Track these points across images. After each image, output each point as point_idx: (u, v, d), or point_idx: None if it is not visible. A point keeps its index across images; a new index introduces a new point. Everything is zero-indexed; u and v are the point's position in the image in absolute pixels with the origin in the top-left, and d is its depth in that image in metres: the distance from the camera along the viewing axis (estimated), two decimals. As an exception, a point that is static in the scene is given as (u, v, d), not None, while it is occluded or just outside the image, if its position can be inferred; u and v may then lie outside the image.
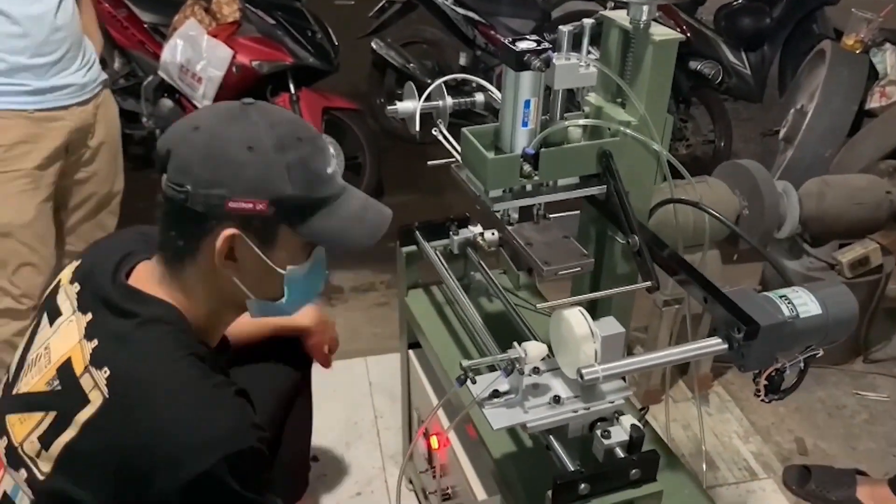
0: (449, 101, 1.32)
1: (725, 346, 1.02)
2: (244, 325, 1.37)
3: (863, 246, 2.41)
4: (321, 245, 1.13)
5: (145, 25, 3.46)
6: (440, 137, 1.31)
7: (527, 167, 1.12)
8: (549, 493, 1.05)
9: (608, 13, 1.18)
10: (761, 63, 3.89)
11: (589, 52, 1.15)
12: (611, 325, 1.11)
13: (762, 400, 1.12)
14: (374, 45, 3.90)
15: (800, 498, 2.05)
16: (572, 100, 1.25)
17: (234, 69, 3.18)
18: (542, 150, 1.13)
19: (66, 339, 1.09)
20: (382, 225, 1.14)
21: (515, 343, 1.11)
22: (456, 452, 1.51)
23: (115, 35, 3.51)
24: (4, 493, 1.08)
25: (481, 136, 1.17)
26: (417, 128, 1.32)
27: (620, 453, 1.09)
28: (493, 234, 1.52)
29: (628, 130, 1.15)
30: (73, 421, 1.01)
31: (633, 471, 1.09)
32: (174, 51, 3.18)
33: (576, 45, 1.15)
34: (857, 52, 3.21)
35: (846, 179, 2.29)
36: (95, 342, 1.05)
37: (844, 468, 2.07)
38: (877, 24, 3.19)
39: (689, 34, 3.57)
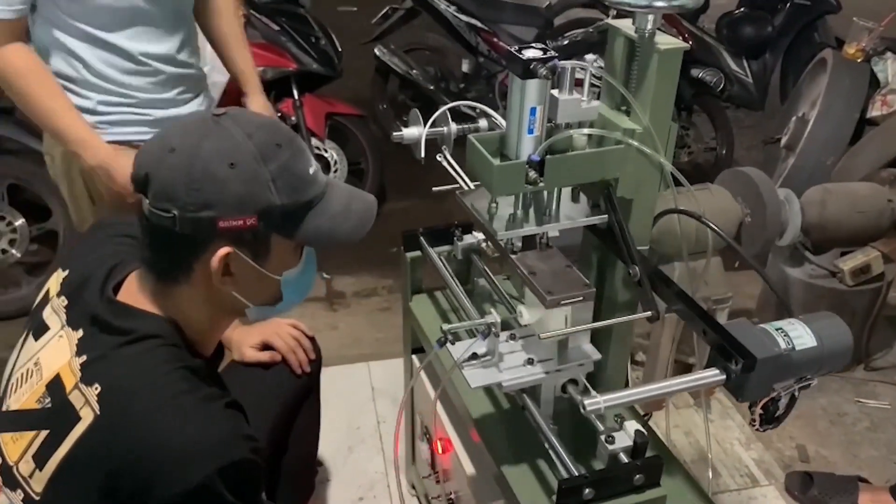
0: (453, 127, 1.33)
1: (723, 377, 1.04)
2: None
3: (864, 254, 2.42)
4: (313, 246, 1.13)
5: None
6: (445, 164, 1.32)
7: (532, 174, 1.13)
8: (554, 497, 1.05)
9: (614, 22, 1.19)
10: (763, 71, 3.91)
11: (595, 61, 1.16)
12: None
13: (757, 429, 1.15)
14: (377, 52, 3.92)
15: (801, 505, 2.05)
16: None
17: (238, 75, 3.20)
18: (548, 156, 1.14)
19: (57, 355, 1.07)
20: (369, 214, 1.14)
21: (492, 308, 1.22)
22: (459, 457, 1.52)
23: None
24: None
25: (487, 143, 1.18)
26: (423, 154, 1.34)
27: (624, 458, 1.10)
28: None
29: (632, 141, 1.16)
30: (66, 439, 1.00)
31: (637, 476, 1.09)
32: (179, 56, 3.19)
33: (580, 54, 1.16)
34: (859, 60, 3.22)
35: (848, 187, 2.30)
36: (85, 358, 1.04)
37: (846, 475, 2.08)
38: (878, 34, 3.21)
39: (691, 42, 3.58)
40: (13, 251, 2.82)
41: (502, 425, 1.36)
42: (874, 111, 3.19)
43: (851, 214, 2.21)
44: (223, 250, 1.01)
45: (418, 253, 1.62)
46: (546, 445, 1.19)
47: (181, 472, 0.96)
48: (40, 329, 1.13)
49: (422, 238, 1.60)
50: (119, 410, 0.99)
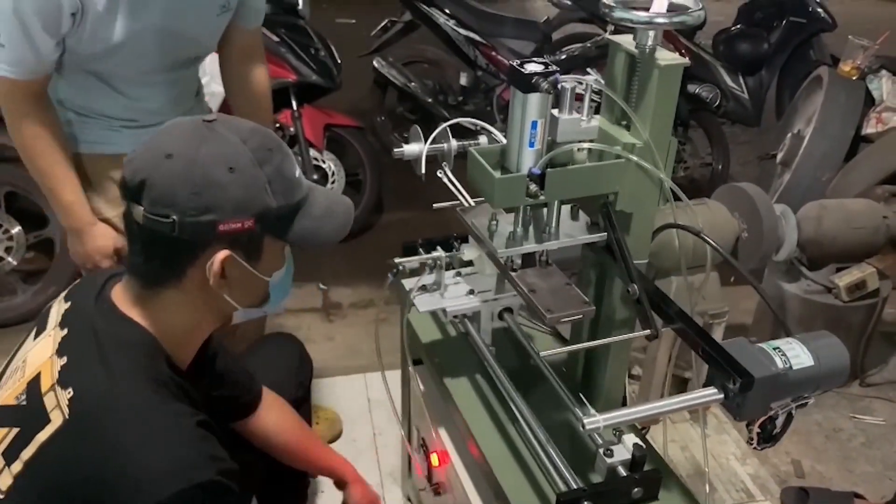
0: (454, 143, 1.35)
1: (721, 396, 1.05)
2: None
3: (860, 270, 2.43)
4: (302, 246, 1.15)
5: (150, 41, 3.49)
6: (446, 181, 1.33)
7: (533, 187, 1.14)
8: (552, 510, 1.05)
9: (615, 37, 1.20)
10: (759, 88, 3.94)
11: (589, 74, 1.17)
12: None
13: (754, 448, 1.15)
14: (375, 64, 3.94)
15: (797, 520, 2.05)
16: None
17: (237, 85, 3.20)
18: (548, 170, 1.14)
19: (41, 353, 1.08)
20: (349, 216, 1.19)
21: (438, 247, 1.43)
22: (456, 470, 1.52)
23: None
24: None
25: (488, 155, 1.19)
26: (423, 170, 1.35)
27: (623, 472, 1.10)
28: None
29: (632, 156, 1.16)
30: (34, 439, 1.00)
31: (636, 489, 1.09)
32: (178, 66, 3.20)
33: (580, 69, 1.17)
34: (854, 78, 3.25)
35: (844, 204, 2.31)
36: (65, 359, 1.04)
37: (842, 491, 2.08)
38: (873, 51, 3.24)
39: (688, 58, 3.61)
40: (9, 259, 2.81)
41: (500, 438, 1.36)
42: (869, 128, 3.21)
43: (847, 230, 2.22)
44: (222, 253, 1.03)
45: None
46: (544, 458, 1.19)
47: (146, 491, 0.95)
48: (41, 328, 1.14)
49: (421, 249, 1.60)
50: (87, 419, 0.99)
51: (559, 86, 1.10)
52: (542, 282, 1.24)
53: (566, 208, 1.29)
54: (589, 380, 1.44)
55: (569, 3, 4.18)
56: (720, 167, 3.87)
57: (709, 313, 1.98)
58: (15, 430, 1.03)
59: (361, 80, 4.02)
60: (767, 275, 2.60)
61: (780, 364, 1.06)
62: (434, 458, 1.62)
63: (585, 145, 1.20)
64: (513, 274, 1.26)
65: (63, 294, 1.18)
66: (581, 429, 1.04)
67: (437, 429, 1.59)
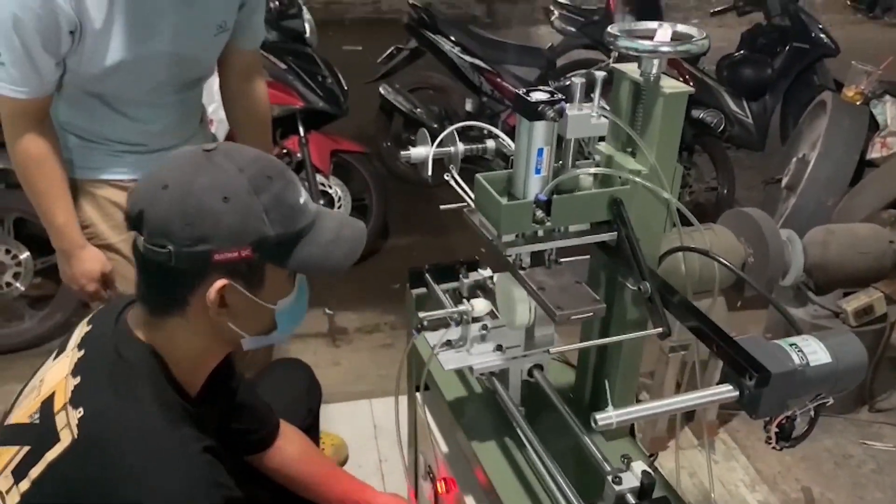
0: (461, 147, 1.36)
1: (736, 393, 1.03)
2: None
3: (867, 295, 2.42)
4: (306, 273, 1.15)
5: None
6: (452, 183, 1.33)
7: (539, 213, 1.14)
8: (561, 539, 1.04)
9: (619, 65, 1.21)
10: (763, 112, 3.96)
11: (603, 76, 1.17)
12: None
13: (773, 447, 1.12)
14: (381, 90, 3.97)
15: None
16: (581, 150, 1.28)
17: (245, 112, 3.23)
18: (555, 196, 1.15)
19: (57, 373, 1.09)
20: (359, 241, 1.16)
21: (464, 298, 1.36)
22: (463, 498, 1.50)
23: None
24: None
25: (495, 182, 1.20)
26: (430, 172, 1.35)
27: (632, 499, 1.09)
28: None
29: (639, 179, 1.17)
30: (43, 458, 1.01)
31: (645, 517, 1.08)
32: (187, 93, 3.23)
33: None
34: (858, 103, 3.26)
35: (850, 228, 2.31)
36: (78, 379, 1.05)
37: None
38: (876, 77, 3.26)
39: (692, 83, 3.63)
40: (17, 284, 2.83)
41: (507, 465, 1.35)
42: (874, 153, 3.22)
43: (854, 255, 2.22)
44: (219, 283, 1.03)
45: (424, 290, 1.63)
46: (552, 485, 1.18)
47: None
48: (62, 349, 1.16)
49: (427, 275, 1.61)
50: (94, 440, 1.00)
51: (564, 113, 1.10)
52: (552, 280, 1.21)
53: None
54: (597, 406, 1.43)
55: (573, 30, 4.22)
56: (725, 192, 3.87)
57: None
58: (26, 449, 1.04)
59: (368, 107, 4.05)
60: (774, 300, 2.59)
61: (797, 360, 1.03)
62: (440, 486, 1.61)
63: (592, 171, 1.21)
64: (521, 272, 1.24)
65: (88, 317, 1.20)
66: (594, 424, 1.01)
67: (444, 456, 1.59)
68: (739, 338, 1.05)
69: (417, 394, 1.74)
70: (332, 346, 2.90)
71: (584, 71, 3.90)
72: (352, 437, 2.37)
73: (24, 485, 1.01)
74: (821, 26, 3.96)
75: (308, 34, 3.39)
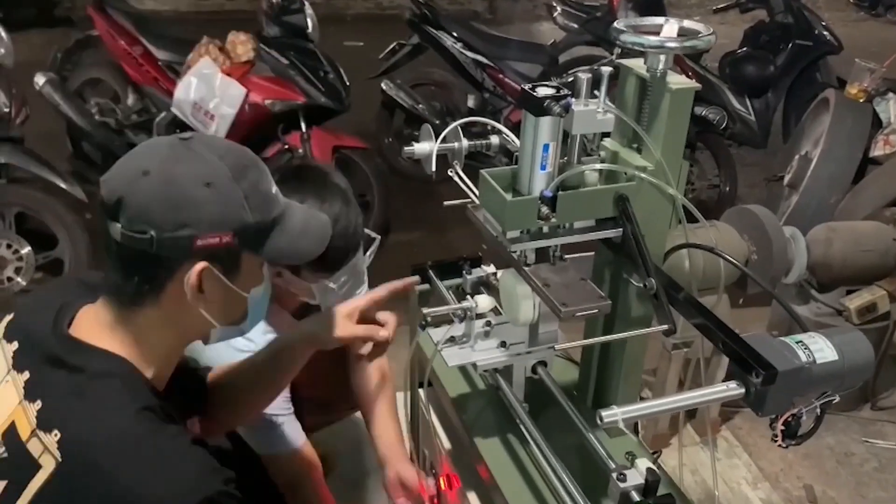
0: (465, 143, 1.35)
1: (742, 390, 1.02)
2: None
3: (870, 292, 2.41)
4: (280, 262, 1.15)
5: (160, 63, 3.53)
6: (456, 178, 1.33)
7: (545, 209, 1.14)
8: (565, 536, 1.04)
9: (626, 61, 1.21)
10: (765, 110, 3.95)
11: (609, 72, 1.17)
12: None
13: (779, 445, 1.12)
14: (384, 86, 3.97)
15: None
16: (586, 147, 1.27)
17: (246, 108, 3.24)
18: (560, 192, 1.14)
19: (4, 401, 1.05)
20: (326, 232, 1.18)
21: (468, 295, 1.33)
22: (466, 494, 1.50)
23: (130, 72, 3.58)
24: None
25: (500, 178, 1.19)
26: (433, 168, 1.35)
27: (636, 496, 1.08)
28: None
29: (644, 175, 1.16)
30: (27, 488, 0.98)
31: (649, 515, 1.08)
32: (188, 88, 3.23)
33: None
34: (861, 100, 3.26)
35: (853, 226, 2.31)
36: (39, 403, 1.01)
37: None
38: (880, 74, 3.25)
39: (695, 80, 3.62)
40: (18, 279, 2.83)
41: (511, 462, 1.35)
42: (877, 150, 3.21)
43: (856, 253, 2.22)
44: (200, 265, 1.02)
45: (427, 286, 1.62)
46: (556, 483, 1.18)
47: None
48: None
49: (430, 271, 1.60)
50: (84, 457, 0.97)
51: (570, 108, 1.10)
52: (557, 277, 1.21)
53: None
54: (601, 403, 1.43)
55: (575, 26, 4.22)
56: (727, 189, 3.87)
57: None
58: (2, 484, 1.01)
59: (370, 103, 4.05)
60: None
61: (803, 358, 1.03)
62: (443, 482, 1.61)
63: (597, 167, 1.20)
64: (526, 269, 1.23)
65: None
66: (599, 422, 1.00)
67: (447, 452, 1.58)
68: (746, 335, 1.05)
69: (421, 390, 1.74)
70: (334, 342, 2.90)
71: (587, 67, 3.89)
72: (355, 432, 2.36)
73: None
74: (824, 23, 3.95)
75: (310, 30, 3.39)
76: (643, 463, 1.11)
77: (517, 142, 1.22)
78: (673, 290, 1.17)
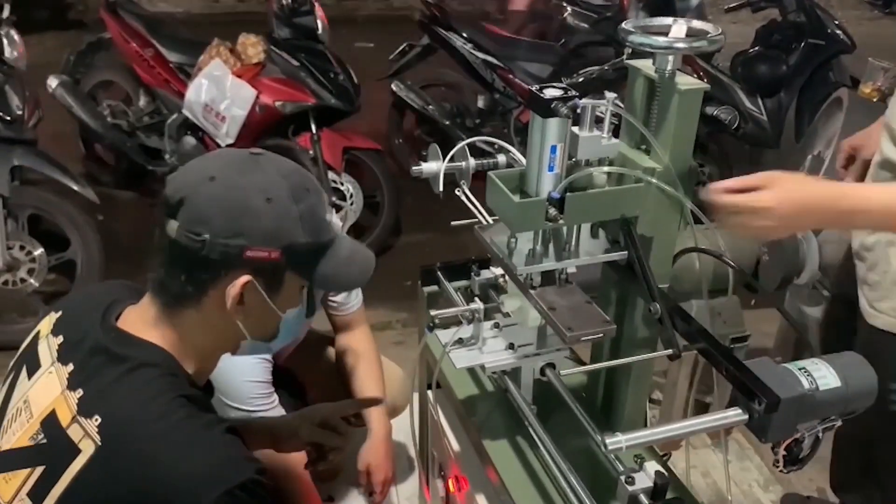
0: (472, 162, 1.36)
1: (746, 416, 1.03)
2: None
3: (883, 294, 2.38)
4: (322, 288, 1.18)
5: (171, 65, 3.55)
6: (463, 198, 1.34)
7: (552, 211, 1.13)
8: (573, 539, 1.04)
9: (634, 62, 1.20)
10: (778, 109, 3.92)
11: (614, 99, 1.17)
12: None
13: (781, 471, 1.13)
14: (394, 87, 3.97)
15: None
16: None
17: (257, 109, 3.25)
18: (568, 194, 1.14)
19: (46, 391, 1.08)
20: (370, 266, 1.23)
21: (476, 298, 1.32)
22: (475, 496, 1.50)
23: (142, 74, 3.60)
24: None
25: (507, 180, 1.19)
26: (441, 188, 1.36)
27: (645, 500, 1.08)
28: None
29: (653, 179, 1.16)
30: (65, 473, 1.01)
31: (658, 518, 1.07)
32: (199, 90, 3.25)
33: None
34: (874, 100, 3.22)
35: (866, 227, 2.28)
36: (81, 392, 1.05)
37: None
38: (894, 73, 3.21)
39: (706, 80, 3.61)
40: (31, 280, 2.85)
41: (519, 464, 1.35)
42: (890, 150, 3.18)
43: (870, 254, 2.19)
44: (244, 278, 1.06)
45: (436, 287, 1.62)
46: (565, 485, 1.17)
47: (191, 498, 0.97)
48: (33, 367, 1.14)
49: (439, 273, 1.60)
50: (122, 440, 1.00)
51: (578, 105, 1.10)
52: (562, 300, 1.22)
53: (586, 226, 1.28)
54: (609, 405, 1.43)
55: (585, 26, 4.20)
56: (739, 189, 3.84)
57: (730, 337, 1.95)
58: (40, 470, 1.03)
59: (380, 104, 4.05)
60: (789, 299, 2.56)
61: (806, 385, 1.03)
62: (451, 484, 1.61)
63: (605, 169, 1.20)
64: (532, 292, 1.25)
65: (41, 331, 1.17)
66: (603, 449, 1.02)
67: (455, 454, 1.58)
68: (749, 361, 1.05)
69: (429, 392, 1.74)
70: (344, 343, 2.90)
71: (598, 68, 3.88)
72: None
73: (48, 503, 1.01)
74: (837, 22, 3.91)
75: (320, 31, 3.40)
76: (652, 466, 1.10)
77: (524, 160, 1.22)
78: (678, 315, 1.17)
